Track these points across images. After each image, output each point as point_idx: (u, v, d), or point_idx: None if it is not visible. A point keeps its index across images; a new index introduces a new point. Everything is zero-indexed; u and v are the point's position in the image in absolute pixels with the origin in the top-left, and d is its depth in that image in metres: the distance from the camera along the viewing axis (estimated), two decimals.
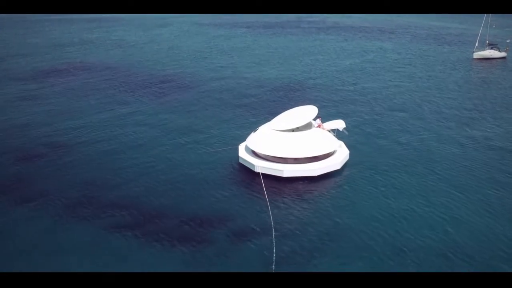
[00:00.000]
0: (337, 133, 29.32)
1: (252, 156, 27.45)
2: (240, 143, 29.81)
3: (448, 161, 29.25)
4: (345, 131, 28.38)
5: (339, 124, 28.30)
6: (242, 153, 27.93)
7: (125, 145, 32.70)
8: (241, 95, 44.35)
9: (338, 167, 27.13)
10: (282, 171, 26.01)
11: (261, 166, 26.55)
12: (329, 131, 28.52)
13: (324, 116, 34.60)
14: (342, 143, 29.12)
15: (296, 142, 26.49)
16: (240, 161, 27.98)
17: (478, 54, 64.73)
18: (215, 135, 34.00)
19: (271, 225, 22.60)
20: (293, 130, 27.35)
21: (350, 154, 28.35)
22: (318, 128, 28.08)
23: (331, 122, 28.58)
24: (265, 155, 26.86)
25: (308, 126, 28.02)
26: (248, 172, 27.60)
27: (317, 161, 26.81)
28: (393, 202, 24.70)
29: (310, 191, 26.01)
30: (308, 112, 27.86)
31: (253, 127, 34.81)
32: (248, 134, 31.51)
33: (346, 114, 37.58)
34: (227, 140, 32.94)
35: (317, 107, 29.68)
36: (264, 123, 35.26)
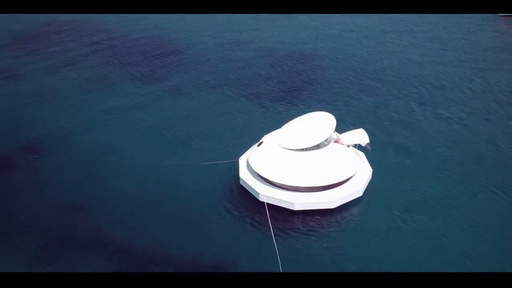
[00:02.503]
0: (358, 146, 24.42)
1: (255, 178, 22.69)
2: (241, 154, 24.88)
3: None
4: (368, 147, 23.37)
5: (361, 137, 23.25)
6: (244, 173, 23.15)
7: (99, 150, 27.93)
8: (240, 68, 38.10)
9: (360, 194, 22.44)
10: (293, 204, 21.38)
11: (266, 196, 21.87)
12: (348, 146, 23.56)
13: (340, 110, 29.61)
14: (362, 155, 24.24)
15: (311, 165, 21.62)
16: (241, 183, 23.27)
17: None
18: (208, 137, 28.77)
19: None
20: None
21: (372, 171, 23.51)
22: (336, 143, 23.01)
23: (352, 135, 23.49)
24: (272, 181, 22.10)
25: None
26: (250, 198, 23.09)
27: (334, 186, 22.07)
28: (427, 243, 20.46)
29: (325, 229, 21.67)
30: (324, 124, 22.79)
31: (256, 124, 29.80)
32: (249, 138, 26.59)
33: (363, 104, 32.17)
34: (223, 144, 27.84)
35: (331, 113, 24.44)
36: (270, 117, 30.39)
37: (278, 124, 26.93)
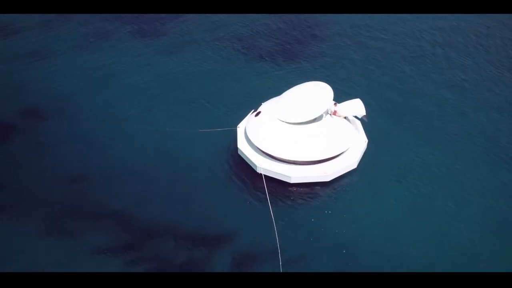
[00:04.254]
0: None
1: (253, 149, 23.15)
2: (239, 121, 25.10)
3: None
4: (365, 119, 23.68)
5: (358, 108, 23.45)
6: (242, 144, 23.59)
7: (98, 114, 27.81)
8: (238, 25, 36.29)
9: (354, 166, 23.07)
10: (290, 177, 22.07)
11: (264, 168, 22.48)
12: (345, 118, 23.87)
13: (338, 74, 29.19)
14: (358, 123, 24.56)
15: (309, 139, 22.09)
16: (239, 153, 23.80)
17: None
18: (207, 101, 28.42)
19: (277, 247, 20.06)
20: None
21: (368, 141, 23.97)
22: (333, 115, 23.29)
23: (349, 106, 23.64)
24: (270, 154, 22.62)
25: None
26: (248, 169, 23.66)
27: (330, 159, 22.65)
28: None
29: (320, 197, 22.66)
30: (321, 97, 22.86)
31: (255, 87, 29.49)
32: (247, 103, 26.58)
33: (363, 69, 31.53)
34: (222, 108, 27.78)
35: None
36: (269, 79, 29.92)
37: (277, 88, 26.99)
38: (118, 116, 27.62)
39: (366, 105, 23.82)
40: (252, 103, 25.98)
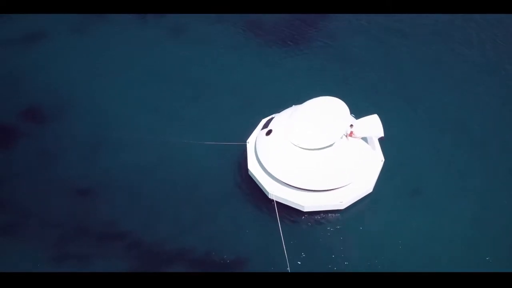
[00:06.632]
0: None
1: (264, 170, 22.13)
2: (248, 134, 23.85)
3: None
4: (382, 139, 22.50)
5: (375, 128, 22.12)
6: (252, 164, 22.54)
7: (100, 117, 26.49)
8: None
9: (370, 191, 22.21)
10: (303, 206, 21.26)
11: (276, 195, 21.62)
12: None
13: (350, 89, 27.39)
14: (375, 140, 23.28)
15: (324, 165, 21.03)
16: (250, 174, 22.84)
17: None
18: (209, 101, 26.89)
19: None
20: None
21: (384, 160, 22.76)
22: (350, 137, 22.11)
23: (364, 125, 22.26)
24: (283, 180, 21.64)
25: None
26: (259, 192, 22.74)
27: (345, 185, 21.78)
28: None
29: (335, 225, 21.90)
30: (337, 119, 21.49)
31: (264, 90, 27.67)
32: (257, 111, 25.14)
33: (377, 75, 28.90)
34: (226, 115, 26.22)
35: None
36: (279, 83, 28.06)
37: (287, 94, 25.69)
38: (123, 119, 26.20)
39: (381, 116, 22.45)
40: (260, 110, 24.75)
